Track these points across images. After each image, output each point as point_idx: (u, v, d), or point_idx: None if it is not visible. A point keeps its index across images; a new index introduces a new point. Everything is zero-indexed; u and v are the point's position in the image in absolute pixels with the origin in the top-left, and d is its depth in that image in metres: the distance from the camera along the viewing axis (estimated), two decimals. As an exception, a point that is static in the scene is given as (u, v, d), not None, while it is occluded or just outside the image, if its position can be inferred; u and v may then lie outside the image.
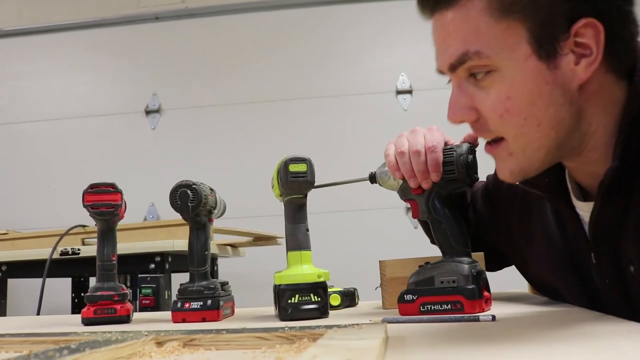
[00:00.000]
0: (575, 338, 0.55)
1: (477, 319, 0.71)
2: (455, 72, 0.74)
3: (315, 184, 0.89)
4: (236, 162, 2.87)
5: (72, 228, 1.89)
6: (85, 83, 3.12)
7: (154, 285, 1.62)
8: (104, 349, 0.50)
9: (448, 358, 0.48)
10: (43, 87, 3.13)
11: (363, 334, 0.53)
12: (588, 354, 0.47)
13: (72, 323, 0.96)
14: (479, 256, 0.95)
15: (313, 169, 0.88)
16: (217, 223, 1.21)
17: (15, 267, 2.06)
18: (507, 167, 0.76)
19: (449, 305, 0.78)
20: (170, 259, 1.89)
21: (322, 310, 0.85)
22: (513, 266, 1.07)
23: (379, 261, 0.99)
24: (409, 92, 2.89)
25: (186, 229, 0.97)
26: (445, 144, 0.86)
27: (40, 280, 1.75)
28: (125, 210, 1.00)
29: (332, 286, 1.01)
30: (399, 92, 2.89)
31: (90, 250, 1.85)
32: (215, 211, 0.99)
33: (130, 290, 1.01)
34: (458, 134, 1.15)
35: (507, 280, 1.23)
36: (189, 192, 0.92)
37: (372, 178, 0.92)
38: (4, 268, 2.06)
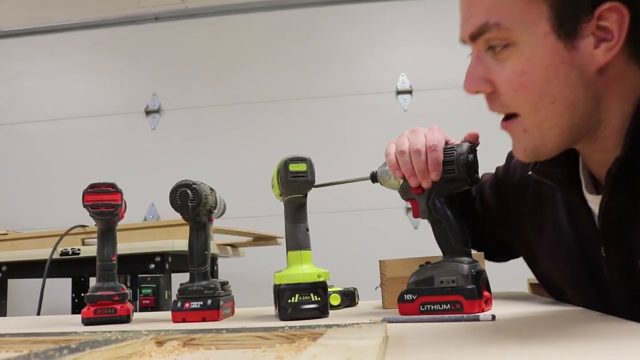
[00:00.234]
0: (575, 338, 0.55)
1: (477, 319, 0.71)
2: (475, 42, 0.75)
3: (315, 183, 0.89)
4: (236, 162, 2.87)
5: (72, 228, 1.89)
6: (85, 83, 3.12)
7: (154, 285, 1.62)
8: (104, 348, 0.50)
9: (448, 358, 0.48)
10: (43, 87, 3.13)
11: (363, 334, 0.53)
12: (588, 354, 0.47)
13: (72, 323, 0.96)
14: (479, 256, 0.95)
15: (313, 169, 0.88)
16: (217, 223, 1.20)
17: (15, 268, 2.06)
18: (521, 145, 0.76)
19: (449, 305, 0.78)
20: (170, 259, 1.89)
21: (322, 310, 0.85)
22: (513, 266, 1.07)
23: (379, 261, 0.99)
24: (409, 92, 2.89)
25: (186, 229, 0.97)
26: (446, 143, 0.86)
27: (40, 280, 1.75)
28: (125, 210, 1.00)
29: (332, 286, 1.01)
30: (399, 92, 2.89)
31: (90, 250, 1.85)
32: (215, 211, 0.99)
33: (130, 290, 1.01)
34: (458, 134, 1.15)
35: (507, 280, 1.23)
36: (189, 191, 0.92)
37: (373, 177, 0.92)
38: (4, 268, 2.06)
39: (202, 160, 2.87)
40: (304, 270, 0.86)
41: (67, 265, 1.92)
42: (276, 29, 3.03)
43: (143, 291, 1.63)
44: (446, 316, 0.75)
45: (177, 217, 0.94)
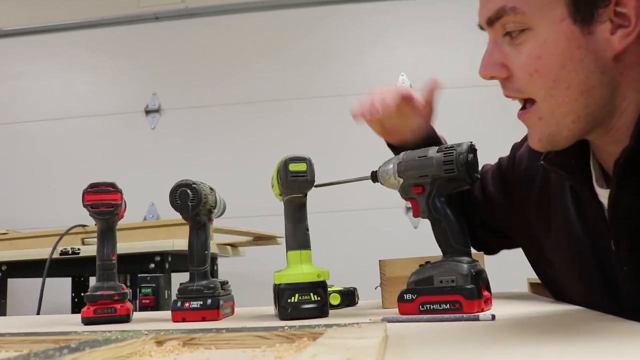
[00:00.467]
0: (575, 338, 0.55)
1: (476, 319, 0.71)
2: (492, 27, 0.75)
3: (315, 183, 0.89)
4: (236, 162, 2.87)
5: (72, 228, 1.89)
6: (85, 83, 3.12)
7: (154, 285, 1.62)
8: (103, 348, 0.50)
9: (448, 357, 0.48)
10: (43, 87, 3.13)
11: (363, 333, 0.53)
12: (588, 354, 0.46)
13: (72, 322, 0.96)
14: (479, 256, 0.95)
15: (313, 168, 0.88)
16: (217, 222, 1.20)
17: (15, 267, 2.06)
18: (536, 134, 0.77)
19: (448, 305, 0.77)
20: (170, 259, 1.89)
21: (322, 310, 0.85)
22: (513, 266, 1.06)
23: (379, 261, 0.99)
24: (409, 92, 2.88)
25: (186, 229, 0.97)
26: (446, 142, 0.86)
27: (40, 280, 1.75)
28: (125, 210, 1.00)
29: (332, 285, 1.01)
30: (399, 92, 2.89)
31: (90, 249, 1.85)
32: (215, 210, 0.99)
33: (130, 290, 1.01)
34: (458, 133, 1.15)
35: (507, 280, 1.23)
36: (188, 191, 0.92)
37: (374, 177, 0.92)
38: (4, 268, 2.06)
39: (202, 160, 2.87)
40: (304, 269, 0.86)
41: (67, 265, 1.92)
42: (276, 29, 3.03)
43: (143, 291, 1.62)
44: (446, 316, 0.75)
45: (177, 216, 0.94)
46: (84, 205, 0.96)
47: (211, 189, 0.98)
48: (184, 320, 0.90)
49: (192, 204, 0.91)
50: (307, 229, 0.89)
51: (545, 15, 0.70)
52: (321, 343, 0.48)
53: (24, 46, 3.18)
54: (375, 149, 1.19)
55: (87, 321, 0.93)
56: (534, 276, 1.05)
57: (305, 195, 0.89)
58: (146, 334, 0.59)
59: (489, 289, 0.82)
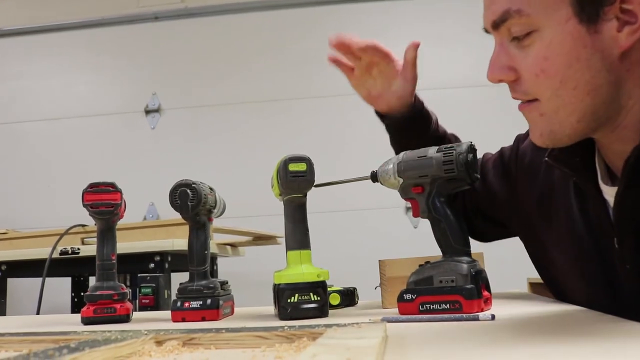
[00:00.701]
0: (575, 338, 0.55)
1: (476, 319, 0.71)
2: (498, 31, 0.75)
3: (315, 183, 0.89)
4: (236, 162, 2.87)
5: (71, 227, 1.89)
6: (85, 83, 3.12)
7: (154, 285, 1.62)
8: (103, 348, 0.50)
9: (447, 357, 0.48)
10: (43, 87, 3.13)
11: (362, 333, 0.53)
12: (588, 354, 0.46)
13: (72, 322, 0.96)
14: (479, 255, 0.94)
15: (313, 168, 0.88)
16: (216, 222, 1.20)
17: (15, 267, 2.06)
18: (537, 129, 0.77)
19: (448, 305, 0.77)
20: (169, 259, 1.89)
21: (322, 310, 0.85)
22: (513, 266, 1.06)
23: (379, 261, 0.99)
24: (409, 92, 2.88)
25: (186, 229, 0.97)
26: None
27: (39, 279, 1.75)
28: (124, 210, 1.00)
29: (332, 285, 1.01)
30: (398, 92, 2.88)
31: (89, 249, 1.84)
32: (215, 210, 0.99)
33: (130, 290, 1.01)
34: (457, 133, 1.15)
35: (507, 280, 1.23)
36: (188, 191, 0.92)
37: (374, 177, 0.92)
38: (3, 267, 2.06)
39: (202, 159, 2.87)
40: (304, 269, 0.86)
41: (66, 265, 1.92)
42: (276, 29, 3.02)
43: (142, 290, 1.62)
44: (445, 316, 0.75)
45: (176, 216, 0.94)
46: (84, 205, 0.95)
47: (211, 188, 0.98)
48: (183, 320, 0.90)
49: (192, 203, 0.91)
50: (307, 229, 0.89)
51: (551, 16, 0.70)
52: (321, 343, 0.48)
53: (23, 46, 3.18)
54: (375, 149, 1.19)
55: (86, 321, 0.93)
56: (534, 276, 1.04)
57: (305, 195, 0.89)
58: (146, 334, 0.59)
59: (488, 289, 0.82)
